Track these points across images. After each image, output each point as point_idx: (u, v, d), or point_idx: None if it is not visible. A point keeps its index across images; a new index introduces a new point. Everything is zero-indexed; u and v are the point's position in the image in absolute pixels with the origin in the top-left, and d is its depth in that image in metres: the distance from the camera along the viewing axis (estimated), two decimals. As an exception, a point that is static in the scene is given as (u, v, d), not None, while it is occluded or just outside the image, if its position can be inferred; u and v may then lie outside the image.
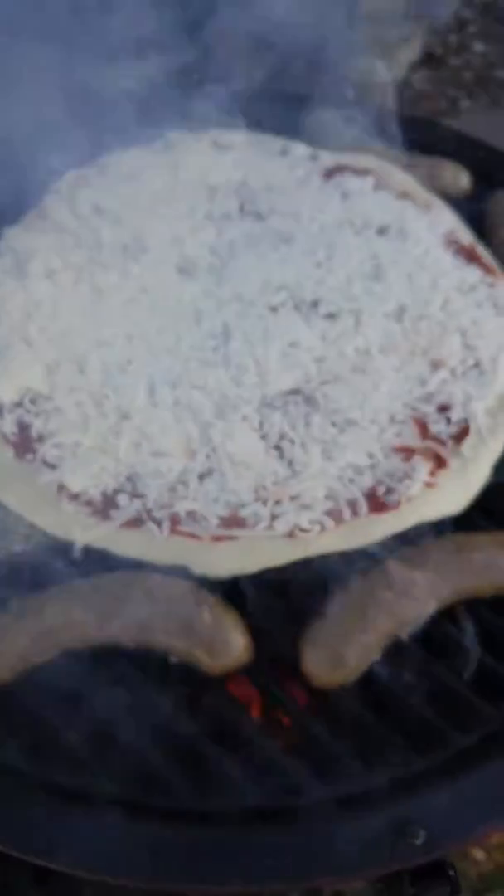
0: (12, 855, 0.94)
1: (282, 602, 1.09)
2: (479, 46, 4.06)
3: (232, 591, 1.08)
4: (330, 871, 0.93)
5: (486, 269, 1.37)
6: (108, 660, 1.05)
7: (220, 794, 0.98)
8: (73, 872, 0.92)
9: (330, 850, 0.93)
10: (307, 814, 0.96)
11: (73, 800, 0.96)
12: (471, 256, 1.39)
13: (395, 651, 1.05)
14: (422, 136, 1.60)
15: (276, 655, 1.06)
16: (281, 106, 1.64)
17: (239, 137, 1.54)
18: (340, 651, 1.01)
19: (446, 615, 1.09)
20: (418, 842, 0.92)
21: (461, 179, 1.53)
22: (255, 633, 1.03)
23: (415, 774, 0.98)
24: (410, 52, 4.05)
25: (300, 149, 1.54)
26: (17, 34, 1.61)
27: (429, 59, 4.05)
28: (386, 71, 4.21)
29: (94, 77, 1.61)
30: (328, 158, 1.51)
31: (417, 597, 1.04)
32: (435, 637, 1.08)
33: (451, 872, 0.96)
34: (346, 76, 4.21)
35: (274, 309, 1.29)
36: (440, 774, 0.98)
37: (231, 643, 1.01)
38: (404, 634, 1.05)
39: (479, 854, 2.02)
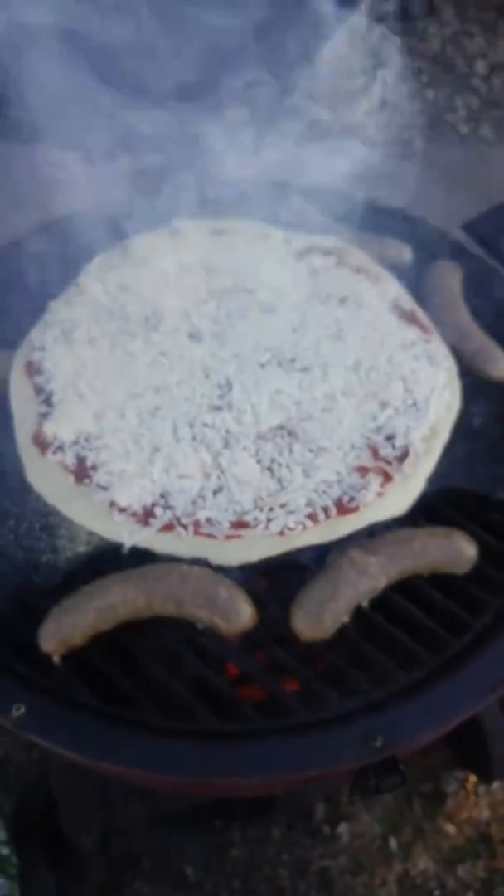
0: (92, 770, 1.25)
1: (275, 581, 1.36)
2: (430, 93, 4.38)
3: (240, 574, 1.32)
4: (317, 766, 1.20)
5: (423, 329, 1.60)
6: (152, 627, 1.30)
7: (234, 719, 1.24)
8: (130, 771, 1.21)
9: (317, 752, 1.21)
10: (299, 729, 1.23)
11: (126, 723, 1.22)
12: (411, 319, 1.62)
13: (358, 614, 1.31)
14: (373, 218, 1.87)
15: (272, 620, 1.30)
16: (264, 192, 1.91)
17: (230, 224, 1.80)
18: (319, 614, 1.26)
19: (395, 588, 1.34)
20: (377, 744, 1.20)
21: (404, 254, 1.78)
22: (258, 603, 1.28)
23: (374, 701, 1.26)
24: (368, 100, 4.38)
25: (278, 234, 1.78)
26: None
27: (385, 105, 4.37)
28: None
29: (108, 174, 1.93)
30: (299, 241, 1.75)
31: (373, 575, 1.29)
32: (386, 604, 1.34)
33: (401, 767, 1.23)
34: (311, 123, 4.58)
35: (263, 365, 1.52)
36: (392, 701, 1.25)
37: (241, 612, 1.26)
38: (365, 602, 1.31)
39: (450, 828, 2.31)
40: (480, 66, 4.28)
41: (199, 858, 2.13)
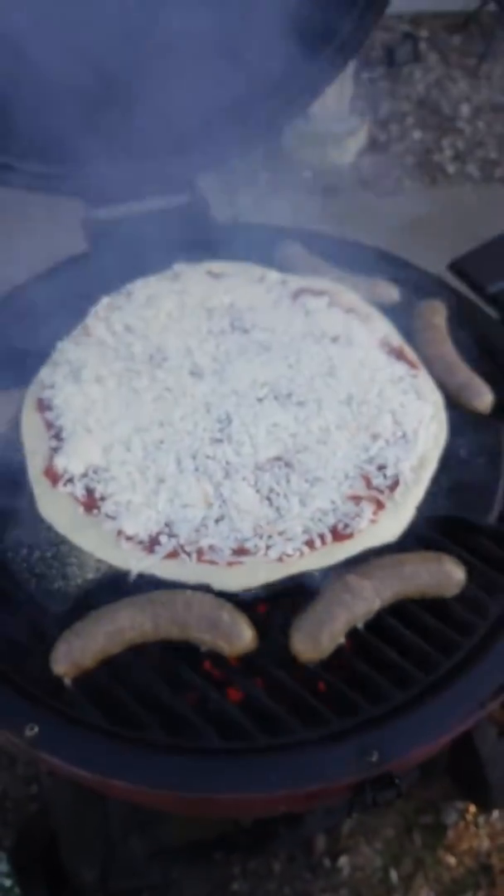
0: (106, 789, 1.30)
1: (275, 604, 1.40)
2: (417, 134, 4.54)
3: (241, 599, 1.37)
4: (317, 781, 1.25)
5: (411, 364, 1.66)
6: (156, 649, 1.35)
7: (239, 738, 1.29)
8: (137, 787, 1.25)
9: (316, 767, 1.26)
10: (299, 746, 1.28)
11: (133, 742, 1.28)
12: (399, 355, 1.68)
13: (353, 636, 1.36)
14: (366, 262, 1.93)
15: (272, 641, 1.35)
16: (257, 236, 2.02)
17: (227, 267, 1.87)
18: (317, 636, 1.31)
19: (388, 611, 1.39)
20: (373, 759, 1.25)
21: (392, 294, 1.83)
22: (258, 626, 1.33)
23: (369, 718, 1.30)
24: (358, 141, 4.53)
25: (273, 275, 1.84)
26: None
27: (374, 146, 4.51)
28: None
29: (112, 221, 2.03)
30: (294, 283, 1.81)
31: (367, 598, 1.34)
32: (380, 625, 1.39)
33: (397, 781, 1.29)
34: (303, 163, 4.75)
35: (260, 400, 1.58)
36: (387, 718, 1.30)
37: (243, 635, 1.31)
38: (360, 624, 1.36)
39: (451, 859, 2.34)
40: (465, 110, 4.45)
41: (200, 893, 2.15)
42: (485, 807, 2.35)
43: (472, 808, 2.36)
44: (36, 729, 1.29)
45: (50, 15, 1.66)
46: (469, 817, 2.36)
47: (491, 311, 1.91)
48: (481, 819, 2.35)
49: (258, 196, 4.05)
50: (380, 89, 4.60)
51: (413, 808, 2.37)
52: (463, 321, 1.83)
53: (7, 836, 2.24)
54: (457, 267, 1.99)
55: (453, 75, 4.64)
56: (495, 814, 2.35)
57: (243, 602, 1.37)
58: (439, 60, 4.71)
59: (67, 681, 1.33)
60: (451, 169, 4.21)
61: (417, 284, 1.94)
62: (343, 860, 2.23)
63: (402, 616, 1.42)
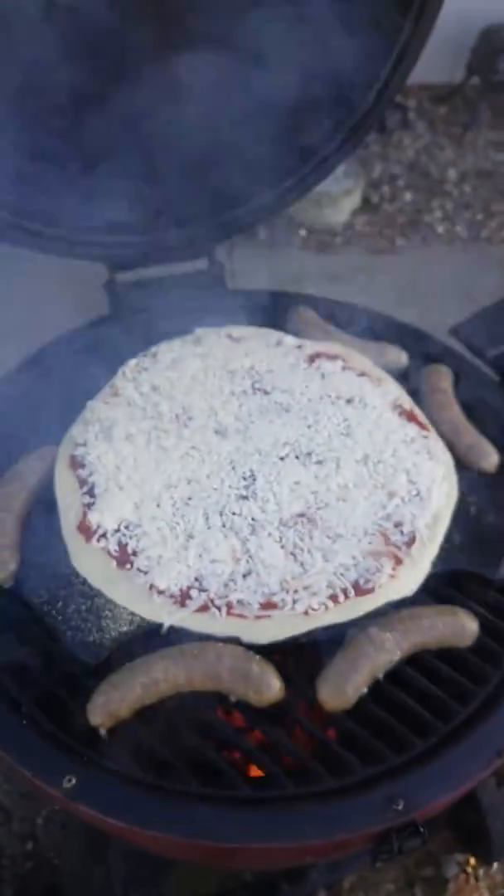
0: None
1: (301, 656, 1.45)
2: (408, 195, 4.72)
3: (270, 651, 1.41)
4: (347, 830, 1.29)
5: (421, 426, 1.74)
6: (188, 699, 1.39)
7: (270, 787, 1.34)
8: (170, 835, 1.28)
9: (345, 817, 1.31)
10: (327, 796, 1.33)
11: (169, 792, 1.32)
12: (410, 417, 1.76)
13: (374, 686, 1.41)
14: (373, 326, 2.05)
15: (299, 692, 1.41)
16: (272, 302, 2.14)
17: (246, 331, 1.96)
18: (343, 686, 1.37)
19: (406, 661, 1.45)
20: (399, 808, 1.30)
21: (401, 358, 1.93)
22: (286, 677, 1.38)
23: (393, 767, 1.35)
24: (352, 201, 4.71)
25: (289, 340, 1.93)
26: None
27: (367, 206, 4.69)
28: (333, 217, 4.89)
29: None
30: (310, 347, 1.90)
31: (389, 650, 1.40)
32: (399, 676, 1.44)
33: (422, 829, 1.33)
34: (301, 223, 4.91)
35: (282, 458, 1.64)
36: (409, 766, 1.35)
37: (272, 685, 1.36)
38: (381, 675, 1.42)
39: (451, 887, 2.36)
40: (452, 174, 4.65)
41: None
42: (486, 858, 2.36)
43: (472, 861, 2.38)
44: (74, 780, 1.32)
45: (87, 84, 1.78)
46: (469, 870, 2.37)
47: (492, 374, 2.01)
48: (481, 871, 2.37)
49: (256, 252, 4.20)
50: (372, 153, 4.81)
51: (414, 862, 2.37)
52: (467, 384, 1.94)
53: (3, 893, 2.22)
54: (457, 332, 2.10)
55: (440, 142, 4.85)
56: (495, 866, 2.37)
57: (270, 652, 1.42)
58: (427, 128, 4.94)
59: (103, 731, 1.37)
60: (440, 229, 4.38)
61: (422, 348, 2.05)
62: (346, 915, 2.23)
63: (419, 666, 1.47)
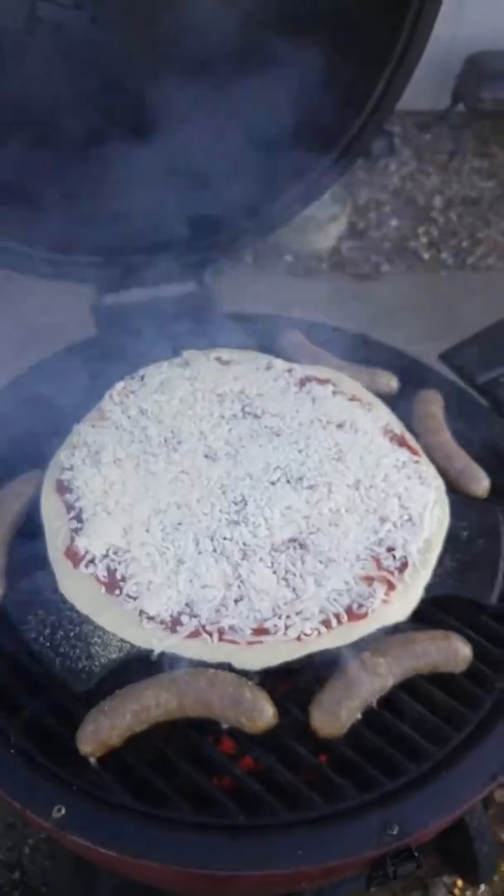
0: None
1: (294, 682, 1.45)
2: (394, 222, 4.79)
3: (262, 677, 1.41)
4: (341, 856, 1.28)
5: (412, 451, 1.74)
6: (178, 726, 1.39)
7: (263, 814, 1.33)
8: (164, 864, 1.26)
9: (340, 842, 1.30)
10: (322, 821, 1.32)
11: (160, 821, 1.31)
12: (401, 442, 1.75)
13: (368, 711, 1.41)
14: (363, 351, 2.06)
15: (292, 718, 1.41)
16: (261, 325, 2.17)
17: (235, 354, 1.96)
18: (336, 712, 1.36)
19: (399, 686, 1.45)
20: (394, 833, 1.30)
21: (392, 383, 1.94)
22: (278, 703, 1.37)
23: (387, 792, 1.35)
24: (339, 227, 4.76)
25: (279, 363, 1.93)
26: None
27: (353, 232, 4.75)
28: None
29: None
30: (300, 371, 1.90)
31: (382, 675, 1.40)
32: (392, 701, 1.45)
33: (416, 854, 1.33)
34: (287, 248, 4.95)
35: (273, 483, 1.63)
36: (404, 791, 1.36)
37: (265, 712, 1.35)
38: (374, 700, 1.42)
39: None
40: (437, 201, 4.72)
41: None
42: (473, 880, 2.35)
43: (460, 883, 2.37)
44: (63, 810, 1.30)
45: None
46: (457, 892, 2.35)
47: (481, 400, 2.03)
48: (469, 893, 2.35)
49: (242, 277, 4.23)
50: (359, 179, 4.87)
51: (401, 886, 2.36)
52: (458, 410, 1.95)
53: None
54: (448, 358, 2.12)
55: (426, 169, 4.93)
56: (482, 888, 2.36)
57: (263, 680, 1.42)
58: (413, 155, 5.02)
59: (93, 760, 1.35)
60: (426, 255, 4.44)
61: (413, 373, 2.06)
62: (333, 941, 2.19)
63: (411, 690, 1.47)
